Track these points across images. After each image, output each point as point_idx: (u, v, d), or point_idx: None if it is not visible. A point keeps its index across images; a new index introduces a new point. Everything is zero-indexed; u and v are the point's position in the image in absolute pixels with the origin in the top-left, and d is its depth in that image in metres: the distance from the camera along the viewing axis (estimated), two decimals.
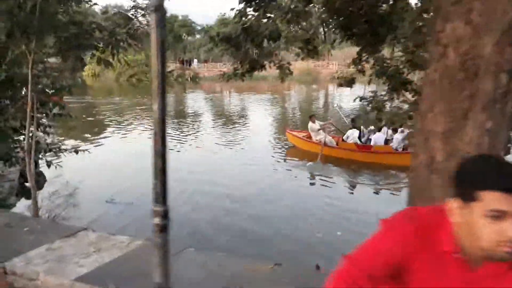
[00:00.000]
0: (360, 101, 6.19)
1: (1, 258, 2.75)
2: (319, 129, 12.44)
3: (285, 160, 12.44)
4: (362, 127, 12.71)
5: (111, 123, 18.79)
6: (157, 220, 1.39)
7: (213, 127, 18.48)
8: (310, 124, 12.72)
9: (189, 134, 16.46)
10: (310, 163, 11.43)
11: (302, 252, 6.18)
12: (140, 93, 35.03)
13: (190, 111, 24.79)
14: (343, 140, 12.31)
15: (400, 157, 11.23)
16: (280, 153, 13.22)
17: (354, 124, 12.66)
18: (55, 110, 6.28)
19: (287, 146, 13.81)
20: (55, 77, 6.18)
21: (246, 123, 19.17)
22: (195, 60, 51.99)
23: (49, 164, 6.56)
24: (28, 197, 8.83)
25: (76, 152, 6.71)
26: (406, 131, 11.69)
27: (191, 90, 38.13)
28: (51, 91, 6.01)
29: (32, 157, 5.33)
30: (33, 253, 2.82)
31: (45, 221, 3.74)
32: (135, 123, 19.12)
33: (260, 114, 20.87)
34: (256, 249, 6.33)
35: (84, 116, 17.93)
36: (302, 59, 4.14)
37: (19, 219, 3.56)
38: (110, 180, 10.09)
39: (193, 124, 19.17)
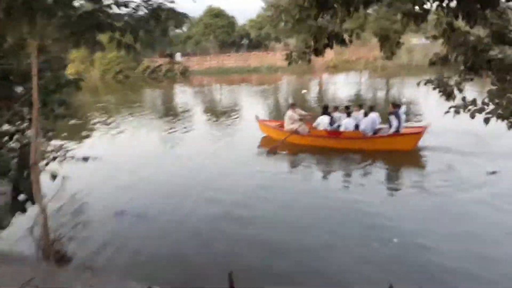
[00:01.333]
0: (425, 84, 5.34)
1: None
2: (299, 119, 12.03)
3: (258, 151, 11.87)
4: (331, 113, 12.17)
5: (103, 124, 17.55)
6: None
7: (207, 122, 17.49)
8: (290, 112, 12.17)
9: (186, 131, 15.42)
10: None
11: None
12: (127, 90, 33.62)
13: (182, 107, 23.59)
14: (314, 127, 11.92)
15: (368, 142, 10.93)
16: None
17: (324, 110, 12.12)
18: (60, 110, 5.19)
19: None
20: (57, 70, 5.10)
21: (240, 117, 18.11)
22: (178, 54, 49.90)
23: (54, 176, 5.47)
24: (22, 211, 7.66)
25: (86, 160, 5.62)
26: (376, 114, 11.33)
27: (182, 84, 36.92)
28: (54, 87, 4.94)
29: (39, 169, 4.26)
30: None
31: (78, 273, 2.69)
32: (128, 122, 17.93)
33: (252, 107, 19.91)
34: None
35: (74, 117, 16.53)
36: (404, 27, 3.23)
37: (44, 273, 2.47)
38: (113, 188, 8.94)
39: (187, 121, 18.06)
